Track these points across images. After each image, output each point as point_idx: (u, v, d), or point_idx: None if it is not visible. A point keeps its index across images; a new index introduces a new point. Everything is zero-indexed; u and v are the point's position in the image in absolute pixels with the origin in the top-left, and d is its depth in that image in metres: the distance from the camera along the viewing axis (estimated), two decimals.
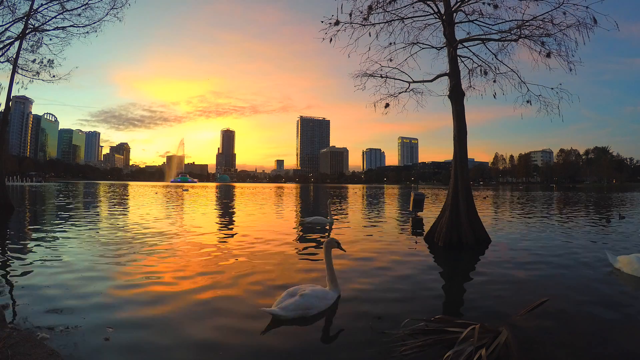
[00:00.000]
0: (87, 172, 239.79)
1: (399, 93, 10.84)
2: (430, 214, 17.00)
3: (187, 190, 55.46)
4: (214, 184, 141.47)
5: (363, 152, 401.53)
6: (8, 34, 17.26)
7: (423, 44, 10.58)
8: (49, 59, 18.10)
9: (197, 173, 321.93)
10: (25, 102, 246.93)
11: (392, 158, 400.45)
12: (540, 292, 5.34)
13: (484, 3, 9.58)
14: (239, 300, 4.94)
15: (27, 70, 18.20)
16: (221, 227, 12.98)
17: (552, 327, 4.06)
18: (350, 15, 9.92)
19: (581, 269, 6.91)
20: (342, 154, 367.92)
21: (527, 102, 9.84)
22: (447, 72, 10.07)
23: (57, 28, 17.67)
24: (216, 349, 3.51)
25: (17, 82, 17.98)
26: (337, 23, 9.98)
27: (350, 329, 4.07)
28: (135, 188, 63.68)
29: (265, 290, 5.38)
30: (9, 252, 7.96)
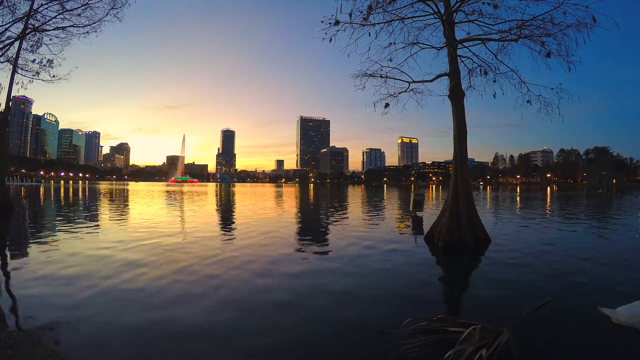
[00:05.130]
0: (87, 172, 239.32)
1: (399, 93, 10.84)
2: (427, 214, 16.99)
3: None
4: (213, 184, 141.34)
5: (363, 152, 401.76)
6: (8, 34, 17.28)
7: (423, 44, 10.58)
8: (49, 59, 18.11)
9: (197, 173, 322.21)
10: (25, 102, 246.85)
11: (392, 158, 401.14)
12: (541, 293, 5.35)
13: (484, 3, 9.58)
14: None
15: (27, 70, 18.20)
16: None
17: (554, 328, 4.06)
18: (350, 15, 9.92)
19: (582, 269, 6.90)
20: (342, 154, 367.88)
21: (527, 102, 9.84)
22: (447, 72, 10.07)
23: (57, 28, 17.68)
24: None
25: (17, 82, 18.01)
26: (337, 23, 9.97)
27: (351, 328, 4.07)
28: (148, 189, 63.50)
29: None
30: (9, 252, 7.96)
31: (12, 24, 17.15)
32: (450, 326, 3.48)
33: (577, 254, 8.19)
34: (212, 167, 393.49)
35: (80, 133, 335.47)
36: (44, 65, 18.15)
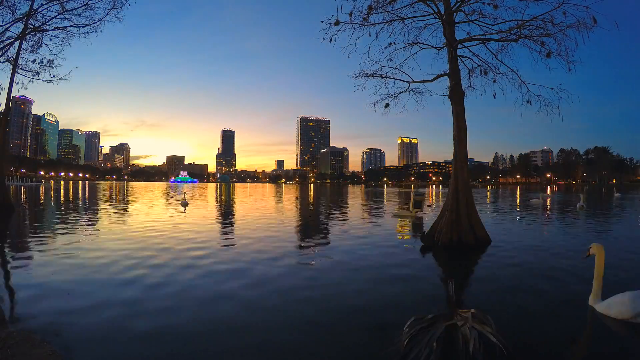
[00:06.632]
0: (87, 172, 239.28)
1: (399, 93, 10.83)
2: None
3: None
4: (214, 184, 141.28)
5: (363, 152, 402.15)
6: (8, 34, 17.27)
7: (423, 44, 10.57)
8: (49, 59, 18.11)
9: (197, 173, 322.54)
10: (25, 102, 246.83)
11: (392, 158, 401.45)
12: (540, 292, 5.36)
13: (484, 3, 9.57)
14: None
15: (27, 70, 18.21)
16: None
17: (543, 326, 4.06)
18: (350, 15, 9.91)
19: (580, 267, 6.90)
20: (342, 153, 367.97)
21: (527, 102, 9.85)
22: (447, 72, 10.06)
23: (57, 28, 17.68)
24: None
25: (17, 82, 18.01)
26: (337, 23, 9.96)
27: (351, 326, 4.07)
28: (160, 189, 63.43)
29: None
30: (9, 253, 7.96)
31: (12, 24, 17.16)
32: (446, 321, 3.50)
33: (575, 254, 8.19)
34: (212, 167, 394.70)
35: (80, 133, 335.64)
36: (44, 65, 18.17)
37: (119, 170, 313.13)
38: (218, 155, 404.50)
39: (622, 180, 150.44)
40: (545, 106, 9.64)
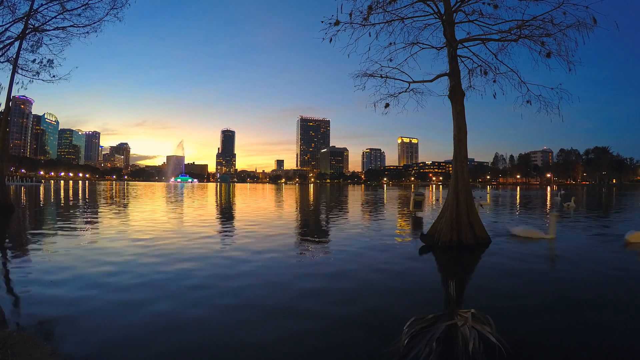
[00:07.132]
0: (87, 172, 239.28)
1: (399, 93, 10.83)
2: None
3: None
4: (214, 184, 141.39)
5: (363, 152, 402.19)
6: (8, 34, 17.27)
7: (423, 44, 10.58)
8: (49, 59, 18.10)
9: (197, 173, 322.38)
10: (25, 102, 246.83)
11: (392, 158, 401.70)
12: (539, 292, 5.36)
13: (484, 3, 9.58)
14: None
15: (27, 70, 18.20)
16: None
17: (540, 326, 4.06)
18: (350, 15, 9.90)
19: (577, 267, 6.91)
20: (342, 153, 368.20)
21: (527, 102, 9.86)
22: (447, 72, 10.06)
23: (57, 28, 17.67)
24: None
25: (17, 82, 18.00)
26: (337, 23, 9.95)
27: (352, 325, 4.07)
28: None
29: None
30: (9, 253, 7.96)
31: (12, 24, 17.15)
32: (446, 321, 3.50)
33: (572, 255, 8.19)
34: (212, 167, 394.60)
35: (80, 133, 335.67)
36: (44, 65, 18.17)
37: (119, 170, 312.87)
38: (218, 155, 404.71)
39: (621, 180, 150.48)
40: (545, 106, 9.68)
